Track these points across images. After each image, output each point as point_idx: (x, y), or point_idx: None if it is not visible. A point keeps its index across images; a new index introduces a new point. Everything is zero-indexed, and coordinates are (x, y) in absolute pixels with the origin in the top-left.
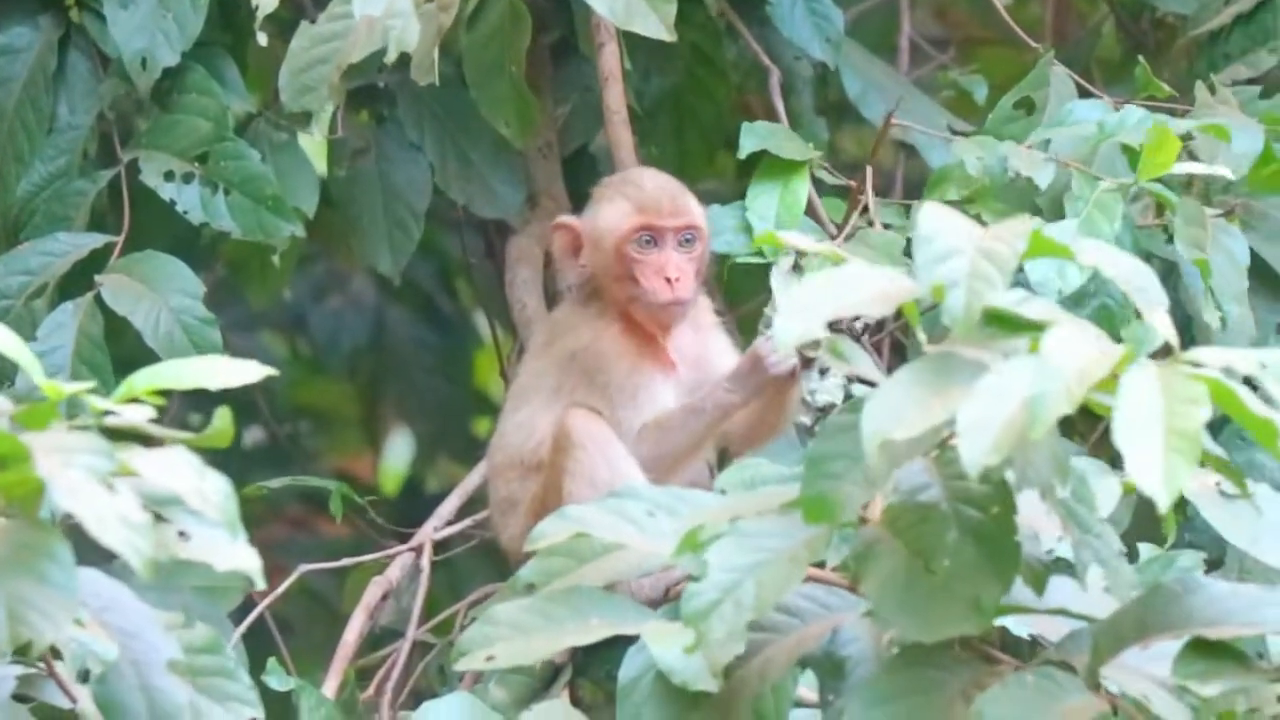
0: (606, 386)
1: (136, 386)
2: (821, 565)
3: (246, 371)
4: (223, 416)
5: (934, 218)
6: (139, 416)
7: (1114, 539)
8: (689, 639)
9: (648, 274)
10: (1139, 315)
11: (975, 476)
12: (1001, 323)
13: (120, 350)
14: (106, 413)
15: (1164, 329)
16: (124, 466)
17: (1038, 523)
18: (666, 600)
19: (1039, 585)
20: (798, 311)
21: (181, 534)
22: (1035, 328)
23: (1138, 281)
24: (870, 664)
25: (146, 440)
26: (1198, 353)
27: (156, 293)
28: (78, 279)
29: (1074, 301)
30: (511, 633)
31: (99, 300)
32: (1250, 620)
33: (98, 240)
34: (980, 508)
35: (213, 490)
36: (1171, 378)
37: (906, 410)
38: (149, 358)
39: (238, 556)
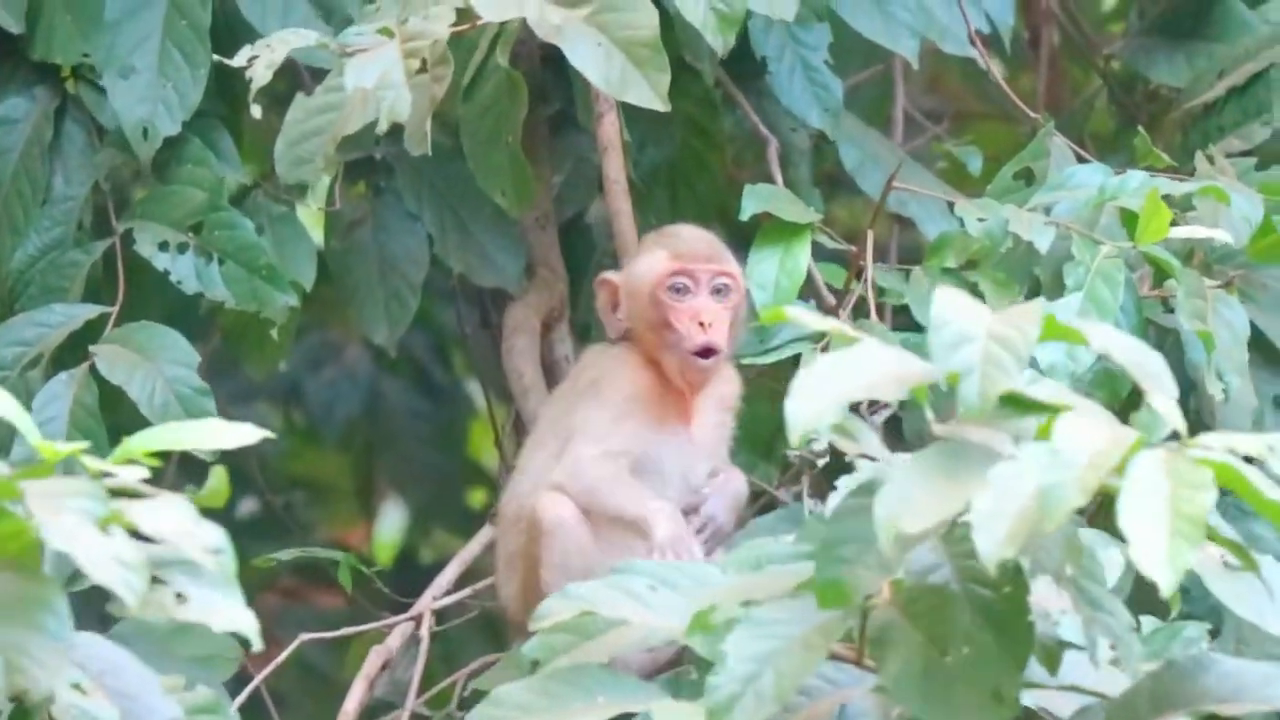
0: (609, 403)
1: (133, 448)
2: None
3: (243, 434)
4: (218, 476)
5: (947, 303)
6: (133, 477)
7: (1124, 613)
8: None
9: (681, 319)
10: (1146, 401)
11: (992, 569)
12: (1011, 403)
13: (116, 421)
14: (102, 474)
15: (1172, 418)
16: (118, 516)
17: (1047, 599)
18: (655, 673)
19: (1052, 665)
20: (810, 395)
21: (179, 596)
22: (1044, 409)
23: (1148, 368)
24: None
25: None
26: (1205, 438)
27: (151, 363)
28: (73, 350)
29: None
30: (517, 713)
31: (94, 370)
32: (1263, 696)
33: (93, 311)
34: (992, 588)
35: (210, 539)
36: (1178, 462)
37: (920, 499)
38: (144, 428)
39: (235, 618)
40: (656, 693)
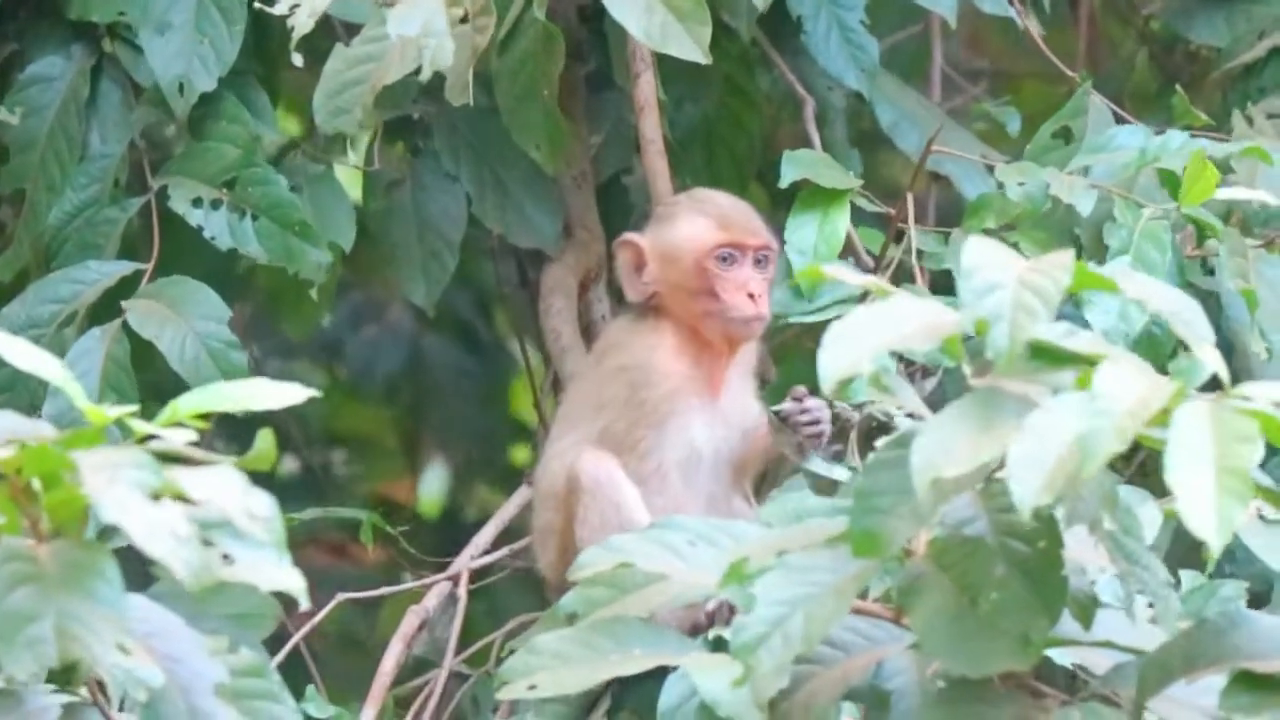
0: (642, 404)
1: (181, 410)
2: (864, 596)
3: (290, 394)
4: (264, 438)
5: (976, 250)
6: (181, 440)
7: (1161, 570)
8: (735, 671)
9: (729, 289)
10: (1185, 348)
11: (1027, 515)
12: (1047, 356)
13: (147, 375)
14: (149, 437)
15: (1214, 363)
16: (169, 486)
17: (1084, 555)
18: (697, 630)
19: (1086, 619)
20: (842, 345)
21: (226, 557)
22: (1081, 361)
23: (1184, 315)
24: (915, 697)
25: (188, 465)
26: (1247, 388)
27: (182, 317)
28: (107, 307)
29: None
30: (554, 662)
31: (126, 326)
32: None
33: (128, 268)
34: (1027, 541)
35: (259, 507)
36: (1222, 414)
37: (956, 447)
38: (176, 383)
39: (283, 577)
40: (694, 646)
